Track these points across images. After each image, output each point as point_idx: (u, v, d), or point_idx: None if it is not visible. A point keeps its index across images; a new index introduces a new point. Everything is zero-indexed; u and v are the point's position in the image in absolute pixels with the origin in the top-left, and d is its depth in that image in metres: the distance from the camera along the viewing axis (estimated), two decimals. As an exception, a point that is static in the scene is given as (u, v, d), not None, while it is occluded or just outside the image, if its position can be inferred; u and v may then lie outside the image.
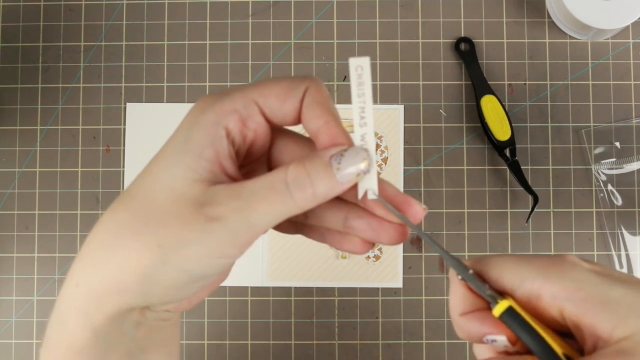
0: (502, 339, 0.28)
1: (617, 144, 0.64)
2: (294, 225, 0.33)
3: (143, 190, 0.29)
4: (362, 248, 0.31)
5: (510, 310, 0.28)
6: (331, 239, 0.32)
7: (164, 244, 0.27)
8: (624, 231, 0.64)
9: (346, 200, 0.31)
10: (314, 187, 0.27)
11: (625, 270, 0.63)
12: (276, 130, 0.31)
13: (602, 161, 0.64)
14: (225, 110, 0.29)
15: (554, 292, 0.27)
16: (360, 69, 0.28)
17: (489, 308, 0.29)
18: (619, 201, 0.64)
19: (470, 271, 0.29)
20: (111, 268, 0.28)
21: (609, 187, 0.64)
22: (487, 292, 0.28)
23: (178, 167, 0.28)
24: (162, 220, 0.27)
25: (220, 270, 0.29)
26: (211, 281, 0.30)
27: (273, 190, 0.27)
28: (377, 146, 0.64)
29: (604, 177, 0.64)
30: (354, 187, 0.29)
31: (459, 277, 0.29)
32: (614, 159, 0.64)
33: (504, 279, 0.28)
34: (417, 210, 0.29)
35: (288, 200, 0.27)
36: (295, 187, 0.27)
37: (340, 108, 0.65)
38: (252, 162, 0.31)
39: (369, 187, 0.29)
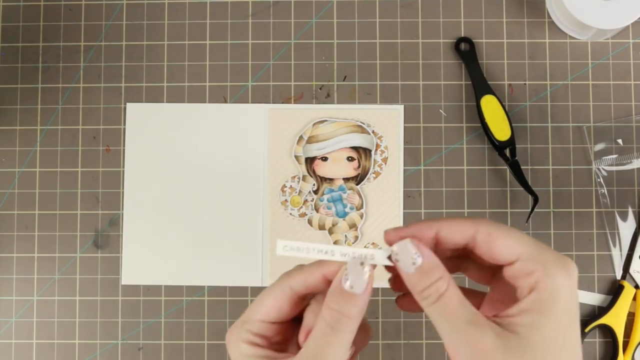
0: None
1: (620, 140, 0.64)
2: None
3: None
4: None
5: None
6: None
7: None
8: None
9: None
10: (345, 313, 0.33)
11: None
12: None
13: (604, 157, 0.64)
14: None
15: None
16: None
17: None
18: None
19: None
20: None
21: (610, 186, 0.64)
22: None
23: None
24: None
25: None
26: None
27: (325, 335, 0.33)
28: (377, 146, 0.64)
29: (604, 174, 0.64)
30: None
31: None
32: (615, 156, 0.64)
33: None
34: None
35: (337, 332, 0.33)
36: (336, 323, 0.33)
37: (340, 108, 0.65)
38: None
39: (383, 263, 0.34)
